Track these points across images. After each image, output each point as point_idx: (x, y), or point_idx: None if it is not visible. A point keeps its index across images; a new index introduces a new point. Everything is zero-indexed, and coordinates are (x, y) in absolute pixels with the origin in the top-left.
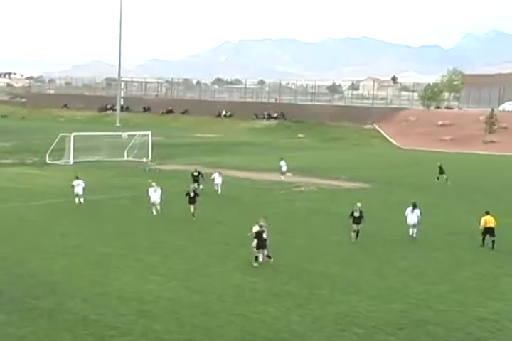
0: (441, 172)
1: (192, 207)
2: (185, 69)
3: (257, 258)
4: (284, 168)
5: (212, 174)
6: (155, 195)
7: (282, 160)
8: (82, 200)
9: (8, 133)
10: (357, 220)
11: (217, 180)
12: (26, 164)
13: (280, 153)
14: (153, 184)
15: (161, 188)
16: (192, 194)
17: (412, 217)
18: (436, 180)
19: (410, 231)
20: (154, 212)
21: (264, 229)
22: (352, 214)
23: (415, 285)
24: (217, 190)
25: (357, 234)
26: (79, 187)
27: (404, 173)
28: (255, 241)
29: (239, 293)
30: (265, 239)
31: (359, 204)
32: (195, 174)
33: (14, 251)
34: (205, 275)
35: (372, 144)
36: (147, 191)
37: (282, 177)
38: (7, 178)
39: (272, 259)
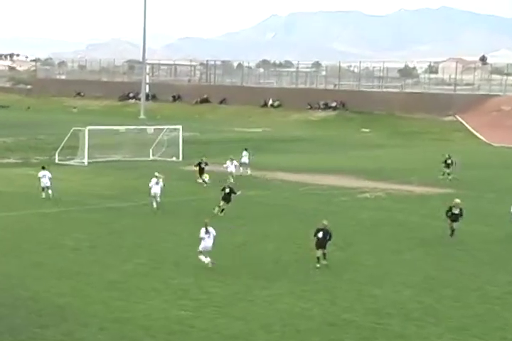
0: (447, 166)
1: (222, 203)
2: (224, 49)
3: (318, 259)
4: (245, 160)
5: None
6: (156, 187)
7: (245, 150)
8: (50, 193)
9: (10, 126)
10: (454, 217)
11: (231, 168)
12: (31, 164)
13: (340, 151)
14: (156, 174)
15: (164, 180)
16: (227, 190)
17: None
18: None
19: None
20: (154, 205)
21: (326, 228)
22: (449, 211)
23: (510, 316)
24: (230, 179)
25: (452, 232)
26: (45, 178)
27: (496, 176)
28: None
29: (288, 321)
30: (323, 238)
31: (457, 200)
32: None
33: (18, 269)
34: (248, 299)
35: (454, 140)
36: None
37: (240, 170)
38: (9, 181)
39: (326, 262)
